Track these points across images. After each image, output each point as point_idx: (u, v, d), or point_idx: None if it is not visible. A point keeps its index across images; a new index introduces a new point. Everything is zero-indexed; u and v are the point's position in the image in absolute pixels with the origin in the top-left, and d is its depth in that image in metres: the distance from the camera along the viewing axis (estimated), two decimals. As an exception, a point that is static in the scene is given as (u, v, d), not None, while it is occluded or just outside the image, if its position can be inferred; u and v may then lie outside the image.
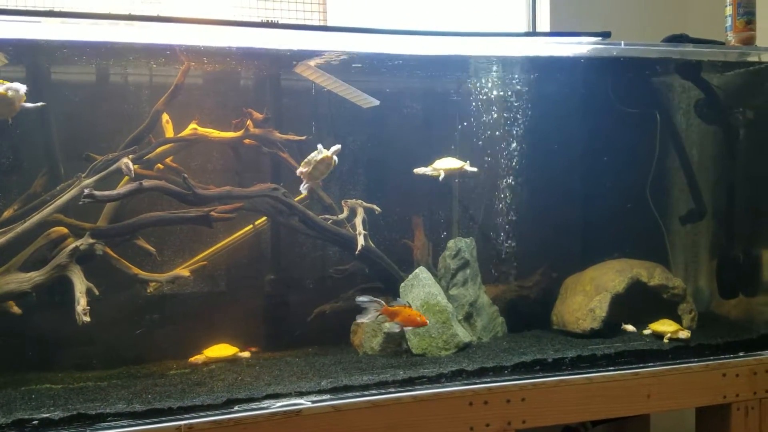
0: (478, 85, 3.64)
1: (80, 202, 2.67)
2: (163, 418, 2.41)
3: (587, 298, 3.36)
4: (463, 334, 3.15)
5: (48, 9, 3.12)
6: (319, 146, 3.02)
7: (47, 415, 2.36)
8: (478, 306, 3.36)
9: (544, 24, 4.11)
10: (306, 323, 3.38)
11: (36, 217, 2.72)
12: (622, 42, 3.18)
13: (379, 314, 2.93)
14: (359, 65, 3.31)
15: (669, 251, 3.86)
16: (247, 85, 3.59)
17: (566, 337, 3.34)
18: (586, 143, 3.80)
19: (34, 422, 2.33)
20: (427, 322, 2.97)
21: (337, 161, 3.06)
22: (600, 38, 3.13)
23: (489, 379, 2.79)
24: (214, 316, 3.42)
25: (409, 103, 3.62)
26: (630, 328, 3.35)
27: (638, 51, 3.33)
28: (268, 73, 3.46)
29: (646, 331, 3.30)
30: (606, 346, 3.12)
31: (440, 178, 3.30)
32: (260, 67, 3.43)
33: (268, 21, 3.08)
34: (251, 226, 3.46)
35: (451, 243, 3.42)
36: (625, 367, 2.97)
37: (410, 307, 2.97)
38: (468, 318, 3.31)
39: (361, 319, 2.97)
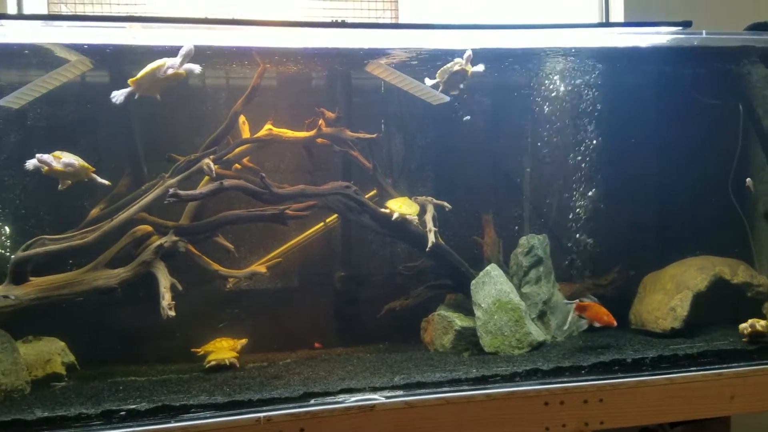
0: (550, 78, 3.58)
1: (165, 201, 2.77)
2: (244, 410, 2.47)
3: (667, 296, 3.27)
4: (537, 333, 3.11)
5: (128, 15, 3.25)
6: (461, 57, 3.02)
7: (134, 406, 2.45)
8: (552, 304, 3.31)
9: (617, 15, 4.00)
10: (376, 320, 3.42)
11: (123, 216, 2.84)
12: (704, 31, 3.07)
13: (573, 309, 3.04)
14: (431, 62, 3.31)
15: (753, 248, 3.70)
16: (319, 84, 3.64)
17: (645, 336, 3.26)
18: (665, 136, 3.68)
19: (121, 413, 2.42)
20: (615, 323, 3.00)
21: (480, 70, 3.04)
22: (680, 28, 3.03)
23: (565, 379, 2.75)
24: (287, 311, 3.50)
25: (480, 99, 3.59)
26: None
27: (720, 40, 3.21)
28: (340, 73, 3.50)
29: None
30: (688, 345, 3.03)
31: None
32: (332, 67, 3.47)
33: (337, 21, 3.12)
34: (322, 223, 3.52)
35: (523, 240, 3.38)
36: (707, 367, 2.87)
37: (600, 304, 3.04)
38: (542, 316, 3.27)
39: (569, 321, 3.12)
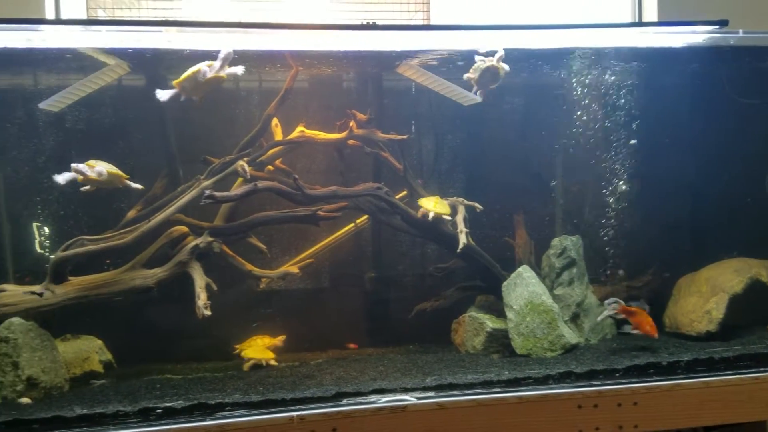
0: (582, 78, 3.55)
1: (202, 203, 2.82)
2: (278, 409, 2.49)
3: (702, 299, 3.22)
4: (570, 335, 3.09)
5: (163, 19, 3.30)
6: (497, 54, 2.97)
7: (171, 404, 2.48)
8: (585, 306, 3.28)
9: (650, 14, 3.95)
10: (407, 321, 3.42)
11: (160, 217, 2.89)
12: (740, 30, 3.02)
13: (616, 312, 3.04)
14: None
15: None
16: (350, 86, 3.66)
17: (680, 339, 3.22)
18: (700, 135, 3.63)
19: (158, 410, 2.46)
20: (656, 335, 2.98)
21: (507, 70, 2.98)
22: (717, 27, 2.99)
23: (599, 382, 2.72)
24: (317, 312, 3.52)
25: (510, 99, 3.57)
26: None
27: (757, 39, 3.16)
28: (371, 74, 3.51)
29: None
30: (724, 349, 2.98)
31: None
32: (363, 69, 3.49)
33: (368, 23, 3.14)
34: (353, 224, 3.54)
35: (555, 241, 3.36)
36: (744, 371, 2.82)
37: (648, 313, 3.05)
38: (575, 319, 3.24)
39: (601, 317, 3.12)
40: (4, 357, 2.65)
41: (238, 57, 2.77)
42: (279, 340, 3.20)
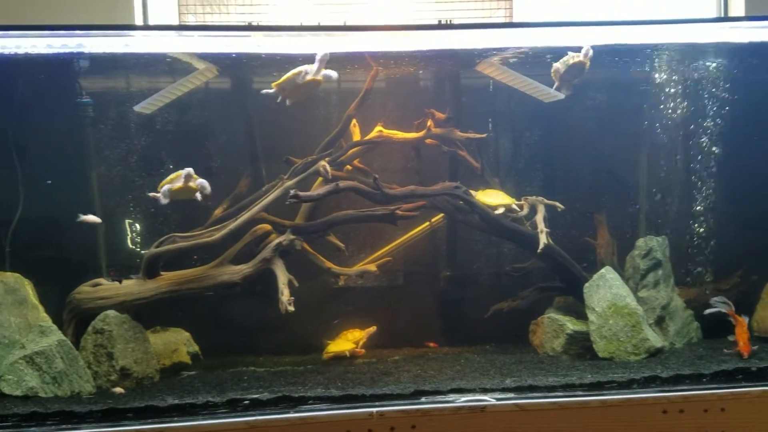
0: (668, 74, 3.44)
1: (287, 202, 2.89)
2: (358, 404, 2.53)
3: (795, 303, 3.09)
4: (655, 339, 3.00)
5: (250, 24, 3.40)
6: (575, 52, 2.99)
7: (257, 395, 2.56)
8: (670, 309, 3.19)
9: (737, 8, 3.80)
10: (483, 320, 3.41)
11: (246, 215, 2.97)
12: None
13: (727, 312, 3.04)
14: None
15: None
16: (428, 85, 3.67)
17: (770, 345, 3.10)
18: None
19: (245, 402, 2.53)
20: (746, 356, 2.90)
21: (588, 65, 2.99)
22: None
23: (685, 387, 2.64)
24: (393, 310, 3.55)
25: (593, 95, 3.50)
26: None
27: None
28: (449, 73, 3.51)
29: None
30: (818, 356, 2.85)
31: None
32: (441, 67, 3.49)
33: (445, 22, 3.14)
34: (428, 223, 3.55)
35: (640, 242, 3.27)
36: (841, 379, 2.70)
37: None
38: (659, 322, 3.15)
39: (710, 311, 3.09)
40: (99, 348, 2.80)
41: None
42: (370, 331, 3.25)
